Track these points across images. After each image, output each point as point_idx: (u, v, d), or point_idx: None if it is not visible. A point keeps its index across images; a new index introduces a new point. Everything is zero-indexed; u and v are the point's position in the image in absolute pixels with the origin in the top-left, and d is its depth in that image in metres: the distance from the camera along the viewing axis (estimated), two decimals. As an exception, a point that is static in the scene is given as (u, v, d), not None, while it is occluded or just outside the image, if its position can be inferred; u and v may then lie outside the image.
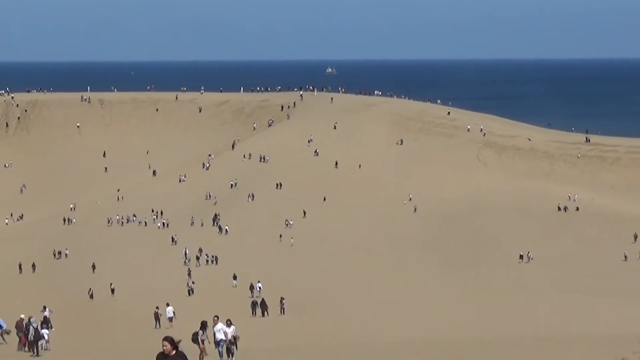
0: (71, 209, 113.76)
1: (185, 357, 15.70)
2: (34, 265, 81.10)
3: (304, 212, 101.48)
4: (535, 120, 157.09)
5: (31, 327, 40.55)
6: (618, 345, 26.40)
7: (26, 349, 40.34)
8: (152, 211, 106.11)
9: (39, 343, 40.25)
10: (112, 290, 70.01)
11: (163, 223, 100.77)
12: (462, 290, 70.40)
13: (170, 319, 57.73)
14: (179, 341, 15.72)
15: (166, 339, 15.69)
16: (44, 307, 53.11)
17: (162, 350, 15.66)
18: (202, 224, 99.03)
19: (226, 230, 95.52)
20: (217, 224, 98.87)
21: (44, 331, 43.19)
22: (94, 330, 54.11)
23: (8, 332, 44.23)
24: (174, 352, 15.67)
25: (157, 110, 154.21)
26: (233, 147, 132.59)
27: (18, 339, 41.15)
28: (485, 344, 37.05)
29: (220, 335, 32.00)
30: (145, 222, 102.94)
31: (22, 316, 42.52)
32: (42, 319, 45.57)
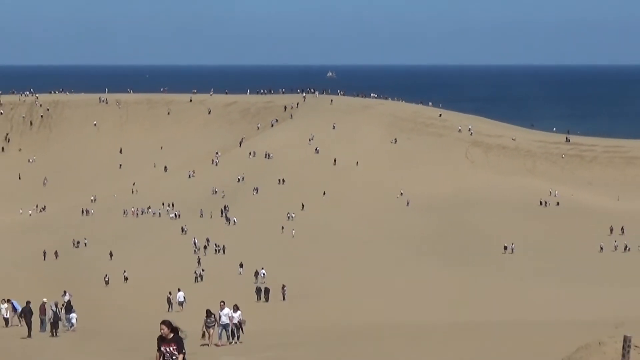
0: (92, 200, 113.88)
1: (182, 341, 15.30)
2: (56, 253, 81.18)
3: (302, 205, 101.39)
4: (522, 121, 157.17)
5: (50, 310, 40.72)
6: (595, 330, 26.34)
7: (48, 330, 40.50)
8: (163, 204, 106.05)
9: (59, 324, 40.52)
10: (125, 278, 69.96)
11: (175, 214, 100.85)
12: (451, 277, 70.47)
13: (181, 303, 57.72)
14: (177, 327, 15.28)
15: (164, 322, 15.34)
16: (65, 292, 53.12)
17: (160, 333, 15.30)
18: (211, 216, 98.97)
19: (234, 221, 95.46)
20: (225, 215, 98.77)
21: (72, 314, 43.45)
22: (109, 313, 54.09)
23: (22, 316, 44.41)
24: (172, 335, 15.26)
25: (169, 110, 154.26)
26: (240, 144, 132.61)
27: (40, 321, 41.16)
28: (471, 326, 37.01)
29: (225, 319, 32.03)
30: (160, 214, 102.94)
31: (45, 300, 42.55)
32: (63, 303, 45.51)
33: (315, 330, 39.94)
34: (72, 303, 46.13)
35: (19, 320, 43.39)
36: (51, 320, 40.22)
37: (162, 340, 15.29)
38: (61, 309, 42.80)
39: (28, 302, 40.72)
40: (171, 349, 15.27)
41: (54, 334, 39.70)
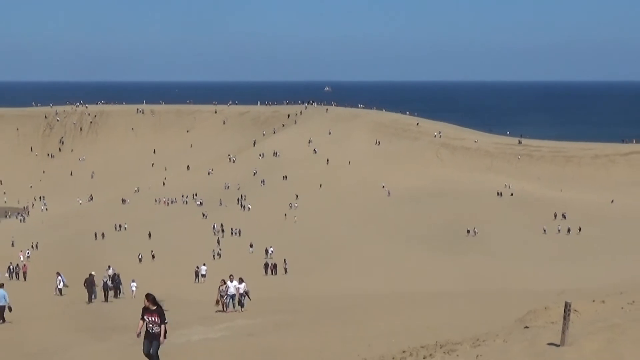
0: (135, 191, 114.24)
1: (164, 313, 14.78)
2: (103, 234, 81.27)
3: (296, 196, 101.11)
4: (484, 127, 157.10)
5: (101, 281, 41.17)
6: (541, 298, 26.42)
7: (104, 297, 40.91)
8: (182, 197, 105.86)
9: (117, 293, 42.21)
10: (153, 256, 69.80)
11: (200, 202, 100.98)
12: (424, 254, 70.53)
13: (204, 276, 57.65)
14: (161, 300, 14.97)
15: (147, 296, 14.82)
16: (109, 267, 53.02)
17: (145, 305, 14.81)
18: (226, 205, 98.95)
19: (248, 208, 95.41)
20: (241, 203, 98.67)
21: (133, 283, 45.28)
22: (144, 285, 53.99)
23: (67, 286, 45.01)
24: (155, 307, 14.72)
25: (194, 119, 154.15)
26: (254, 145, 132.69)
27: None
28: (440, 294, 37.06)
29: (232, 290, 31.87)
30: (187, 202, 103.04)
31: (93, 273, 42.79)
32: (109, 275, 45.59)
33: (314, 298, 39.95)
34: (116, 275, 46.23)
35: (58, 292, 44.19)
36: (102, 288, 40.94)
37: (146, 310, 14.76)
38: (109, 280, 43.21)
39: (90, 274, 40.98)
40: (153, 318, 14.71)
41: (106, 299, 40.23)
